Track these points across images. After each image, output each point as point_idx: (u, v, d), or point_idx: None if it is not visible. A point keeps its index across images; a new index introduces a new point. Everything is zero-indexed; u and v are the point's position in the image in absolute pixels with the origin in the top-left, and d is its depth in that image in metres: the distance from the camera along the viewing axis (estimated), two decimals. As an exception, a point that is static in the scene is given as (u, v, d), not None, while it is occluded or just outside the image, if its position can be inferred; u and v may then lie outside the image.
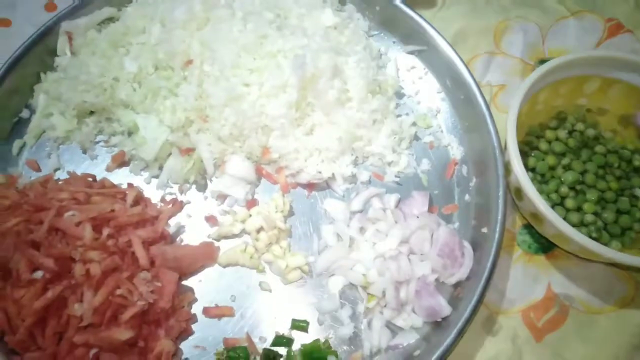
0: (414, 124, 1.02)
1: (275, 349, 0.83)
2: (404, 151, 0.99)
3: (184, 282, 0.88)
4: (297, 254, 0.89)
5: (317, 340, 0.82)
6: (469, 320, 0.80)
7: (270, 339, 0.84)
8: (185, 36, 0.97)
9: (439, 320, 0.84)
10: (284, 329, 0.85)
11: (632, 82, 0.94)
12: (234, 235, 0.92)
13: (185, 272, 0.87)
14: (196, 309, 0.87)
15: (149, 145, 0.94)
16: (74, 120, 0.98)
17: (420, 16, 1.04)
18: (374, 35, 1.09)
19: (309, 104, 0.95)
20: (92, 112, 0.99)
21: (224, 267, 0.90)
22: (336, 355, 0.81)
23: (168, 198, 0.94)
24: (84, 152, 0.99)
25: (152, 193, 0.95)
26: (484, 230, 0.88)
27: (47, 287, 0.76)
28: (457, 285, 0.87)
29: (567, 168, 0.92)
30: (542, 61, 1.10)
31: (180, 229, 0.92)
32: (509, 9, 1.16)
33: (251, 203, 0.94)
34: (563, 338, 0.87)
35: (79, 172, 0.94)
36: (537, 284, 0.91)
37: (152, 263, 0.83)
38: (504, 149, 0.91)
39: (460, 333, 0.79)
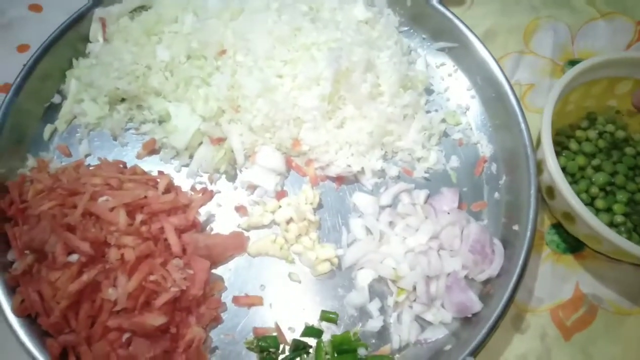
0: (443, 120, 1.02)
1: (305, 339, 0.83)
2: (433, 147, 0.99)
3: (214, 271, 0.88)
4: (327, 245, 0.89)
5: (348, 332, 0.82)
6: (500, 317, 0.80)
7: (298, 330, 0.85)
8: (218, 26, 0.97)
9: (469, 316, 0.84)
10: (313, 320, 0.86)
11: (664, 85, 0.94)
12: (263, 226, 0.92)
13: (216, 261, 0.88)
14: (225, 298, 0.87)
15: (181, 134, 0.94)
16: (105, 106, 0.98)
17: (452, 13, 1.05)
18: (403, 32, 1.09)
19: (340, 97, 0.96)
20: (123, 99, 0.99)
21: (254, 257, 0.90)
22: (366, 347, 0.82)
23: (198, 187, 0.94)
24: (114, 138, 0.99)
25: (182, 181, 0.95)
26: (515, 227, 0.88)
27: (82, 271, 0.76)
28: (486, 282, 0.87)
29: (597, 169, 0.91)
30: (572, 62, 1.10)
31: (210, 218, 0.92)
32: (539, 8, 1.16)
33: (280, 194, 0.94)
34: (592, 337, 0.87)
35: (109, 159, 0.95)
36: (565, 283, 0.92)
37: (183, 250, 0.84)
38: (535, 148, 0.91)
39: (492, 329, 0.79)
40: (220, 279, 0.88)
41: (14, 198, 0.86)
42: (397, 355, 0.83)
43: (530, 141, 0.92)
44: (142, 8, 1.06)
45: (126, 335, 0.76)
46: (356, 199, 0.95)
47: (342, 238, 0.91)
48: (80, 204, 0.80)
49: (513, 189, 0.93)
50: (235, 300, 0.86)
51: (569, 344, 0.87)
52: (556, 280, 0.92)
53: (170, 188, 0.91)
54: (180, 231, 0.85)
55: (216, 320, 0.85)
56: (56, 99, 1.00)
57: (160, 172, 0.93)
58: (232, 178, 0.96)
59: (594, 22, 1.14)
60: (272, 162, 0.94)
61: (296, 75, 0.93)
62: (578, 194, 0.90)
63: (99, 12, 1.01)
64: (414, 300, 0.85)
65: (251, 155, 0.95)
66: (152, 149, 0.97)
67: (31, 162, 0.94)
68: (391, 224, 0.91)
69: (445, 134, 1.01)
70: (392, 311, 0.86)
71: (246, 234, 0.91)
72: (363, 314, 0.86)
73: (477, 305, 0.83)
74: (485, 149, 1.00)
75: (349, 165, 0.95)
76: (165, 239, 0.83)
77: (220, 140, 0.95)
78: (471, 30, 1.03)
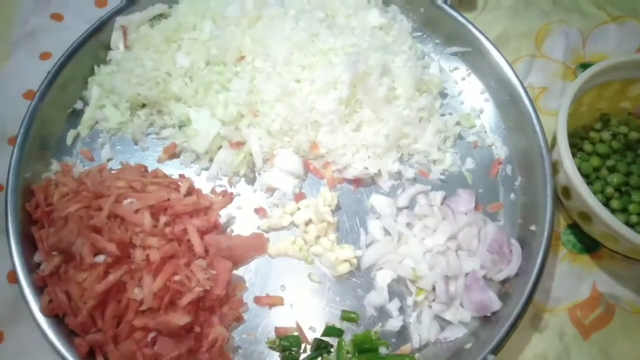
0: (458, 123, 1.03)
1: (326, 339, 0.84)
2: (448, 149, 1.01)
3: (235, 272, 0.89)
4: (346, 246, 0.91)
5: (369, 330, 0.83)
6: (520, 315, 0.81)
7: (319, 329, 0.86)
8: (237, 33, 0.99)
9: (488, 315, 0.85)
10: (333, 320, 0.87)
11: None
12: (283, 228, 0.94)
13: (237, 262, 0.89)
14: (247, 298, 0.88)
15: (201, 138, 0.96)
16: (126, 112, 1.00)
17: (465, 17, 1.06)
18: (416, 37, 1.11)
19: (357, 101, 0.97)
20: (144, 105, 1.01)
21: (274, 258, 0.91)
22: (387, 346, 0.83)
23: (218, 190, 0.96)
24: (136, 143, 1.01)
25: (202, 185, 0.97)
26: (532, 227, 0.89)
27: (109, 271, 0.78)
28: (504, 281, 0.88)
29: (611, 170, 0.93)
30: (583, 65, 1.12)
31: (230, 220, 0.94)
32: (549, 13, 1.18)
33: (299, 196, 0.96)
34: (610, 336, 0.88)
35: (131, 163, 0.97)
36: (582, 283, 0.92)
37: (206, 252, 0.85)
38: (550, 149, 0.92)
39: (512, 327, 0.80)
40: (241, 279, 0.89)
41: (39, 201, 0.88)
42: (417, 354, 0.84)
43: (545, 143, 0.93)
44: (161, 16, 1.08)
45: (152, 335, 0.78)
46: (373, 201, 0.96)
47: (361, 239, 0.93)
48: (106, 206, 0.81)
49: (528, 190, 0.95)
50: (257, 300, 0.88)
51: (588, 343, 0.88)
52: (573, 280, 0.93)
53: (191, 191, 0.92)
54: (202, 232, 0.87)
55: (238, 320, 0.86)
56: (78, 105, 1.03)
57: (181, 176, 0.95)
58: (251, 181, 0.98)
59: (604, 25, 1.16)
60: (291, 165, 0.96)
61: (314, 80, 0.95)
62: (593, 194, 0.91)
63: (120, 20, 1.04)
64: (433, 300, 0.86)
65: (270, 159, 0.97)
66: (172, 153, 0.99)
67: (55, 166, 0.96)
68: (409, 225, 0.92)
69: (460, 137, 1.03)
70: (412, 311, 0.87)
71: (266, 235, 0.93)
72: (382, 313, 0.87)
73: (496, 304, 0.84)
74: (500, 150, 1.01)
75: (366, 168, 0.96)
76: (188, 240, 0.84)
77: (239, 144, 0.97)
78: (484, 35, 1.04)
